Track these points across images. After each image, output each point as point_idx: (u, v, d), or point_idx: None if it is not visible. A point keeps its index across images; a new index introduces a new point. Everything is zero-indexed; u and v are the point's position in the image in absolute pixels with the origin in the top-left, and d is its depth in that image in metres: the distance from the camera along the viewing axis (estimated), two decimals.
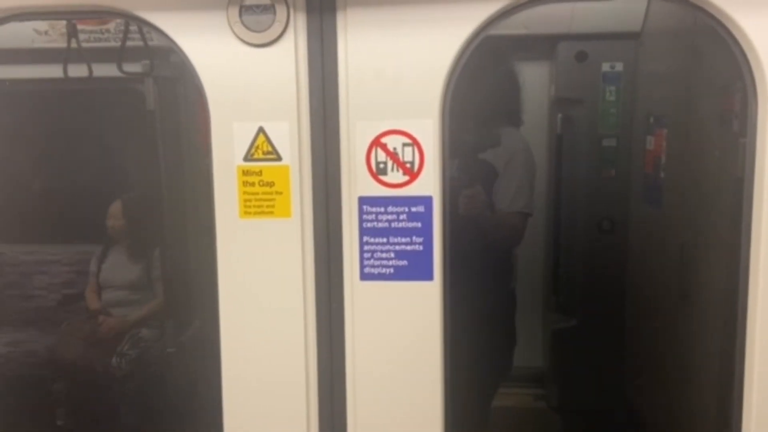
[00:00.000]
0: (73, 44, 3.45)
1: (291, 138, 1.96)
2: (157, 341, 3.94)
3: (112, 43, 3.85)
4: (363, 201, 1.97)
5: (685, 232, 3.27)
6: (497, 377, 3.18)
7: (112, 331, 3.95)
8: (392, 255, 1.98)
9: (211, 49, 1.94)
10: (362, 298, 2.00)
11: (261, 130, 1.96)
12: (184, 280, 4.10)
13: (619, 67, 3.96)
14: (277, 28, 1.92)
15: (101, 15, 2.20)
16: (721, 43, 1.88)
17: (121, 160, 4.21)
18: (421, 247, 1.97)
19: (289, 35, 1.92)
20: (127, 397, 3.77)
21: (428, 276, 1.98)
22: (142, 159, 4.07)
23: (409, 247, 1.97)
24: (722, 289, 2.74)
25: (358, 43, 1.92)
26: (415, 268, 1.98)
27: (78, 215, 4.20)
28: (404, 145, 1.94)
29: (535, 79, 4.15)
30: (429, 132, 1.93)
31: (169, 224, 4.03)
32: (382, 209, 1.97)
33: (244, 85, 1.95)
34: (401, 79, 1.92)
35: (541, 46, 4.07)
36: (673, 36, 3.49)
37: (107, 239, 4.10)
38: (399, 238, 1.97)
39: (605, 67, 3.96)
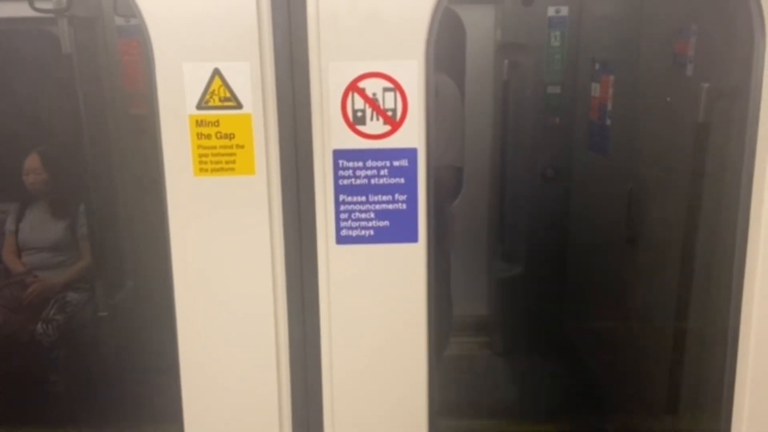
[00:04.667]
0: None
1: (253, 82, 1.60)
2: (86, 305, 3.51)
3: None
4: (338, 155, 1.65)
5: (633, 178, 3.14)
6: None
7: (36, 295, 3.48)
8: (372, 215, 1.68)
9: None
10: (339, 264, 1.70)
11: (216, 72, 1.60)
12: (114, 238, 3.67)
13: (564, 11, 3.71)
14: None
15: None
16: None
17: (36, 110, 3.65)
18: (404, 206, 1.68)
19: None
20: (56, 366, 3.34)
21: (412, 238, 1.69)
22: (60, 107, 3.55)
23: (391, 206, 1.68)
24: (671, 232, 2.63)
25: None
26: (398, 230, 1.69)
27: None
28: (385, 90, 1.62)
29: (480, 23, 3.88)
30: (413, 75, 1.61)
31: (95, 177, 3.56)
32: (360, 164, 1.66)
33: (195, 18, 1.57)
34: (380, 12, 1.59)
35: None
36: None
37: (25, 196, 3.58)
38: (379, 196, 1.67)
39: (551, 11, 3.71)
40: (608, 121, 3.43)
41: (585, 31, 3.68)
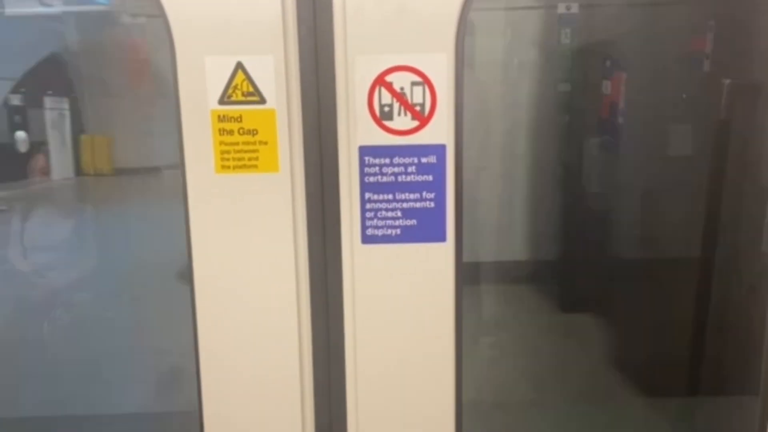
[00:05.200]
0: None
1: (277, 76, 1.54)
2: None
3: None
4: (364, 151, 1.59)
5: (648, 177, 3.10)
6: None
7: None
8: (399, 214, 1.62)
9: None
10: (364, 264, 1.64)
11: (240, 66, 1.54)
12: None
13: (574, 8, 3.66)
14: None
15: None
16: None
17: None
18: (432, 204, 1.62)
19: None
20: None
21: (440, 237, 1.63)
22: None
23: (418, 204, 1.62)
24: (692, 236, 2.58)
25: None
26: (426, 229, 1.63)
27: None
28: (413, 84, 1.56)
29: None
30: (442, 68, 1.56)
31: None
32: (387, 160, 1.60)
33: (218, 10, 1.51)
34: (409, 4, 1.53)
35: None
36: None
37: None
38: (407, 194, 1.61)
39: (561, 8, 3.66)
40: (620, 119, 3.39)
41: (595, 27, 3.63)
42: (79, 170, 3.19)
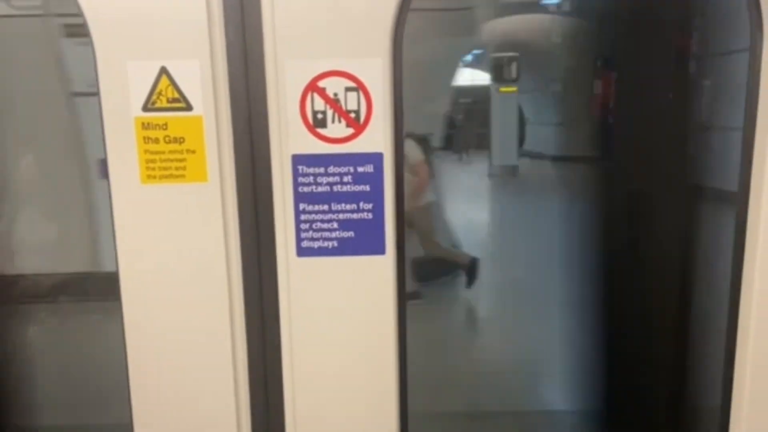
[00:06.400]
0: None
1: (203, 81, 1.46)
2: None
3: None
4: (297, 160, 1.50)
5: (636, 179, 2.97)
6: None
7: None
8: (335, 225, 1.54)
9: None
10: (300, 278, 1.55)
11: (164, 71, 1.46)
12: None
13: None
14: None
15: None
16: None
17: None
18: (370, 215, 1.53)
19: None
20: None
21: (379, 249, 1.54)
22: None
23: (355, 216, 1.53)
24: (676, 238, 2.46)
25: None
26: (364, 241, 1.54)
27: None
28: (347, 90, 1.48)
29: None
30: (377, 74, 1.46)
31: None
32: (322, 170, 1.51)
33: (140, 12, 1.43)
34: (342, 6, 1.44)
35: None
36: None
37: None
38: (343, 205, 1.53)
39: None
40: (610, 119, 3.27)
41: (585, 26, 3.51)
42: None
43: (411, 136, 3.59)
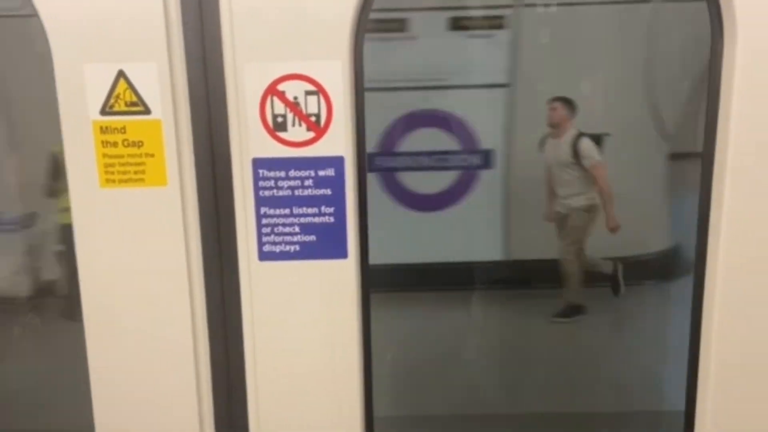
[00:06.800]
0: None
1: (161, 84, 1.45)
2: None
3: None
4: (258, 164, 1.49)
5: None
6: None
7: None
8: (297, 229, 1.53)
9: None
10: (262, 282, 1.54)
11: (121, 74, 1.44)
12: None
13: None
14: None
15: None
16: None
17: None
18: (332, 219, 1.52)
19: None
20: None
21: (341, 253, 1.53)
22: None
23: (317, 219, 1.52)
24: None
25: None
26: (326, 245, 1.53)
27: None
28: (307, 93, 1.46)
29: None
30: (337, 77, 1.45)
31: None
32: (283, 173, 1.50)
33: (97, 15, 1.42)
34: (300, 8, 1.43)
35: None
36: None
37: None
38: (305, 209, 1.52)
39: None
40: None
41: None
42: None
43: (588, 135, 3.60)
